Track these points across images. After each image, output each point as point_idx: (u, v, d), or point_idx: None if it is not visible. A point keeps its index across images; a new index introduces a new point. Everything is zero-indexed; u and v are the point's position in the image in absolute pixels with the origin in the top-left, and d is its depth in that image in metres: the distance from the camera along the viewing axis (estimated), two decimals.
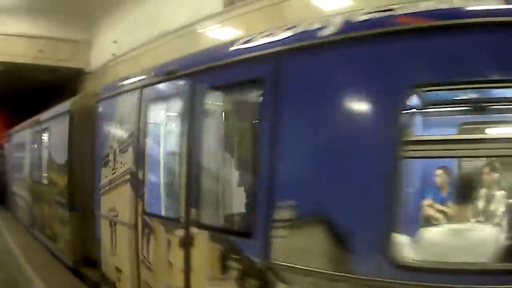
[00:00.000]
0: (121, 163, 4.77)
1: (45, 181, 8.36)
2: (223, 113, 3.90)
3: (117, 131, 5.01)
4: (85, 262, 6.43)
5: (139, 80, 4.63)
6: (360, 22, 2.57)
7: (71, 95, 14.98)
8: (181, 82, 3.87)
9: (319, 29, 2.71)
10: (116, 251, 5.00)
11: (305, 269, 2.57)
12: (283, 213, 2.69)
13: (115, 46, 14.72)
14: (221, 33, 10.08)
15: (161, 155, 4.46)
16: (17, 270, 7.01)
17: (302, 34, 2.85)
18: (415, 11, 2.38)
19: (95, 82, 16.12)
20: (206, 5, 10.63)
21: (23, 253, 7.80)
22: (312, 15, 6.41)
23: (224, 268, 3.15)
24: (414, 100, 2.83)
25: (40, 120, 9.36)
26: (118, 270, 4.91)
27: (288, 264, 2.67)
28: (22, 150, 11.29)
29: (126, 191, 4.62)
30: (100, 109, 5.54)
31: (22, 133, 11.58)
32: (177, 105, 4.00)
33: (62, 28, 16.16)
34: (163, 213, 4.28)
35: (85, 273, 6.37)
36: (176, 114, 4.06)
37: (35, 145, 9.81)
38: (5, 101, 20.38)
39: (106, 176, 5.12)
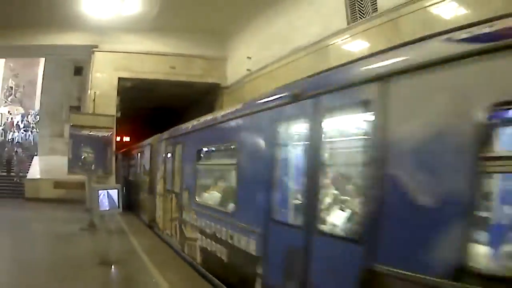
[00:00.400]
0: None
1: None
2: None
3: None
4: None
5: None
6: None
7: (208, 109, 17.39)
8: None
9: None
10: None
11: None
12: None
13: (249, 62, 16.45)
14: (347, 49, 10.93)
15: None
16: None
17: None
18: None
19: (232, 96, 18.20)
20: (333, 22, 11.49)
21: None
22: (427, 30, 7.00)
23: None
24: None
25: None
26: None
27: None
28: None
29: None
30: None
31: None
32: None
33: (194, 46, 18.58)
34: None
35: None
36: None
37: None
38: (139, 116, 24.41)
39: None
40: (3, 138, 36.12)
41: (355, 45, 10.75)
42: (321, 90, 4.33)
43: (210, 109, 18.51)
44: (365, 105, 3.69)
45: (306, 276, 4.27)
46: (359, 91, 3.80)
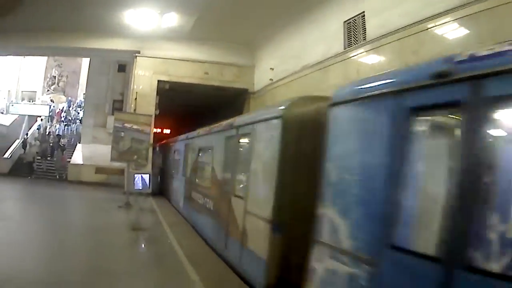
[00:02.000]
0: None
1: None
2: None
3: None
4: None
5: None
6: None
7: (238, 110, 21.06)
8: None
9: None
10: None
11: None
12: None
13: (272, 72, 19.77)
14: (343, 69, 14.15)
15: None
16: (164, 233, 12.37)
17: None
18: None
19: (258, 101, 21.66)
20: (334, 46, 14.73)
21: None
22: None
23: None
24: None
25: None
26: None
27: None
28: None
29: None
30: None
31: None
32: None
33: (226, 54, 22.12)
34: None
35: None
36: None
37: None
38: (178, 112, 28.51)
39: None
40: (43, 131, 39.25)
41: (349, 66, 13.87)
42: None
43: (240, 110, 22.36)
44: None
45: None
46: None
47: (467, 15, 9.47)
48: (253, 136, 7.94)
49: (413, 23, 11.12)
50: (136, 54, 22.13)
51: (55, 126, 40.27)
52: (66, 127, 40.17)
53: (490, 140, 3.08)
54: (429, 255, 3.22)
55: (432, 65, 3.61)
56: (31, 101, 50.58)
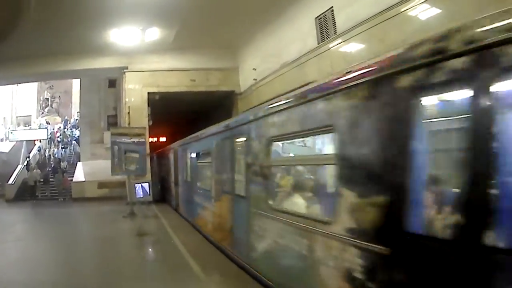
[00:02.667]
0: None
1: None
2: None
3: None
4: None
5: None
6: None
7: (228, 111, 22.08)
8: None
9: None
10: None
11: None
12: None
13: (255, 72, 20.72)
14: (317, 64, 15.07)
15: None
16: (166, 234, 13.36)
17: None
18: None
19: (245, 101, 22.61)
20: (308, 42, 15.69)
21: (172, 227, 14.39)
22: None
23: None
24: None
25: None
26: None
27: None
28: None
29: None
30: None
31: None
32: None
33: (210, 60, 23.04)
34: None
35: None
36: None
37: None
38: (171, 119, 29.59)
39: None
40: (43, 155, 40.09)
41: (323, 60, 14.79)
42: None
43: (229, 111, 23.43)
44: None
45: None
46: None
47: None
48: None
49: (378, 13, 11.88)
50: (125, 70, 23.13)
51: (53, 150, 40.87)
52: (63, 149, 40.71)
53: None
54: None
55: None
56: (26, 125, 51.68)
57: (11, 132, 43.68)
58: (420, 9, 10.37)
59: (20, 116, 53.57)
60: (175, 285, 8.22)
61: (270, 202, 6.74)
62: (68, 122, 49.82)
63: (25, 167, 32.89)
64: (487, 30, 3.00)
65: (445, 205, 3.31)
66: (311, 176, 7.03)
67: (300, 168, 7.18)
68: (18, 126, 50.47)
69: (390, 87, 3.87)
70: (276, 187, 7.28)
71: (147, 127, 22.54)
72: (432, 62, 3.38)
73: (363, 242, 4.13)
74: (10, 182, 29.35)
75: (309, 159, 7.06)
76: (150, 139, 24.58)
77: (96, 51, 21.95)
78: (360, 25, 12.80)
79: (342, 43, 13.89)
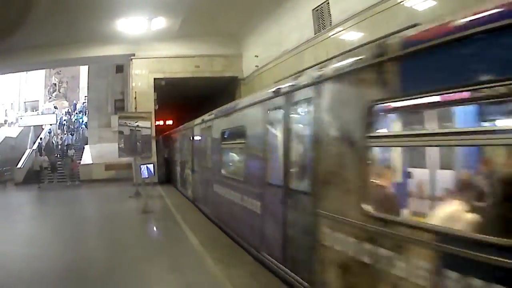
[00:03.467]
0: None
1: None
2: None
3: None
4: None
5: None
6: None
7: (230, 97, 23.23)
8: None
9: None
10: None
11: None
12: None
13: (257, 59, 21.76)
14: (314, 53, 16.05)
15: None
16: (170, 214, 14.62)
17: None
18: None
19: (248, 86, 23.72)
20: (306, 32, 16.67)
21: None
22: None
23: None
24: None
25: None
26: None
27: None
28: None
29: None
30: None
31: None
32: None
33: (215, 47, 24.12)
34: None
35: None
36: None
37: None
38: (177, 103, 30.78)
39: None
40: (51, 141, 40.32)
41: (319, 50, 15.77)
42: None
43: (233, 96, 24.53)
44: None
45: None
46: None
47: None
48: None
49: (368, 7, 12.86)
50: (132, 57, 24.23)
51: (62, 137, 41.31)
52: (72, 135, 41.21)
53: None
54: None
55: None
56: (34, 110, 52.88)
57: (20, 118, 44.93)
58: (407, 4, 11.25)
59: (28, 101, 54.73)
60: (173, 253, 9.32)
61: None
62: (76, 107, 50.89)
63: (34, 151, 33.74)
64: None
65: None
66: None
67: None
68: (26, 111, 51.77)
69: None
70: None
71: (153, 111, 23.66)
72: None
73: None
74: (18, 166, 30.59)
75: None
76: (157, 122, 25.69)
77: (104, 39, 22.99)
78: (353, 17, 13.79)
79: (337, 33, 14.84)
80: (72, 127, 44.07)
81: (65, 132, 42.70)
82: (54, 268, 8.29)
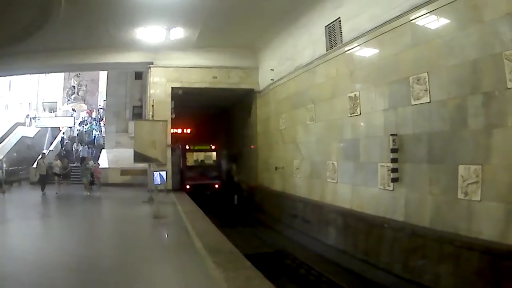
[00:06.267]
0: None
1: None
2: None
3: None
4: None
5: None
6: None
7: (247, 109, 24.50)
8: None
9: None
10: None
11: None
12: None
13: (272, 73, 22.93)
14: (325, 72, 17.13)
15: None
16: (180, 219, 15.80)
17: None
18: None
19: (263, 99, 25.00)
20: (318, 48, 17.72)
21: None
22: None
23: None
24: None
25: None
26: None
27: None
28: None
29: None
30: None
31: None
32: None
33: (232, 58, 25.48)
34: None
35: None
36: None
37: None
38: (195, 112, 32.19)
39: None
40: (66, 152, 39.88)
41: (330, 67, 16.83)
42: None
43: (249, 108, 25.99)
44: None
45: None
46: None
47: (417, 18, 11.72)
48: None
49: (375, 27, 13.83)
50: (150, 65, 25.54)
51: (78, 147, 40.66)
52: (88, 148, 40.56)
53: None
54: None
55: None
56: (51, 111, 54.76)
57: (38, 118, 46.67)
58: (410, 26, 12.10)
59: (46, 102, 56.65)
60: (178, 256, 10.52)
61: None
62: (89, 116, 52.38)
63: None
64: None
65: None
66: None
67: None
68: (44, 112, 53.61)
69: None
70: None
71: (170, 119, 24.89)
72: None
73: None
74: (34, 165, 31.63)
75: None
76: (173, 130, 26.93)
77: (123, 47, 24.34)
78: (362, 36, 14.77)
79: (346, 52, 15.87)
80: (87, 139, 44.07)
81: (78, 142, 42.48)
82: (68, 261, 9.67)
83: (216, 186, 27.80)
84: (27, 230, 14.14)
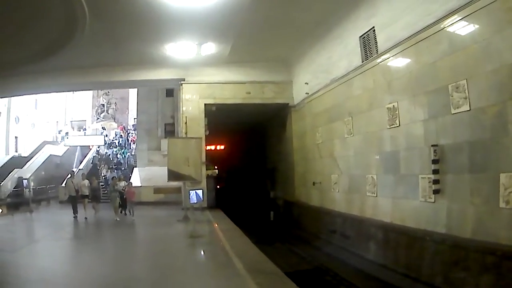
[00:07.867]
0: None
1: None
2: None
3: None
4: None
5: None
6: None
7: (281, 124, 24.98)
8: None
9: None
10: None
11: None
12: None
13: (307, 87, 23.30)
14: (361, 81, 17.43)
15: None
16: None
17: None
18: None
19: (298, 114, 25.42)
20: (354, 60, 18.01)
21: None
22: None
23: None
24: None
25: None
26: None
27: None
28: None
29: None
30: None
31: None
32: None
33: (265, 73, 25.94)
34: None
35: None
36: None
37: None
38: (228, 129, 32.86)
39: None
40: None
41: (367, 78, 17.13)
42: None
43: (284, 123, 26.80)
44: None
45: None
46: None
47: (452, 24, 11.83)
48: None
49: (411, 36, 14.01)
50: (182, 82, 26.22)
51: (107, 173, 41.09)
52: (116, 171, 41.39)
53: None
54: None
55: None
56: (80, 129, 56.25)
57: (67, 137, 47.99)
58: (445, 32, 12.23)
59: (74, 121, 58.25)
60: (217, 278, 10.62)
61: None
62: (123, 131, 53.75)
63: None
64: None
65: None
66: None
67: None
68: (72, 130, 55.07)
69: None
70: None
71: (204, 137, 25.55)
72: None
73: None
74: (63, 184, 32.51)
75: None
76: (208, 147, 27.48)
77: (153, 63, 25.06)
78: (398, 45, 14.95)
79: (382, 62, 16.12)
80: (114, 163, 44.73)
81: (104, 165, 42.86)
82: (100, 284, 10.00)
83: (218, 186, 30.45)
84: (55, 251, 14.65)
